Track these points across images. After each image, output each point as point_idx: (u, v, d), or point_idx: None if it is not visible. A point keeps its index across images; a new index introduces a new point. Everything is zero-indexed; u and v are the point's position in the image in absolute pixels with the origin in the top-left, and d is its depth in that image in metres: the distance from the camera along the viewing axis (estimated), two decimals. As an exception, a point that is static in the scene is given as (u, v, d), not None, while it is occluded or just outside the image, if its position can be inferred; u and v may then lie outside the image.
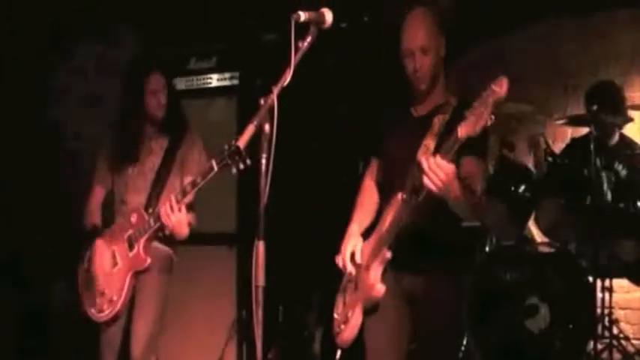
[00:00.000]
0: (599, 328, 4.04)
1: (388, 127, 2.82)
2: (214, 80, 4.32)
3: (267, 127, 2.16)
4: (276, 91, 2.19)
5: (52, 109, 5.02)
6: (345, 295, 2.77)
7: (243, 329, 4.04)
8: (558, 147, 4.63)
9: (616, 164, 4.13)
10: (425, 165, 2.32)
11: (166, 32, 4.57)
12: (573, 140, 4.56)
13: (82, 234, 3.35)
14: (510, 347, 3.96)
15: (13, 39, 4.47)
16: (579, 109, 4.47)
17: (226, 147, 2.81)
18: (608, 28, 5.07)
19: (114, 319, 3.20)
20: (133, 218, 3.19)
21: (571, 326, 3.84)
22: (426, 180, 2.32)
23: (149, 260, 3.15)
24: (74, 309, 3.32)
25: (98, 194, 3.42)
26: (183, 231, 3.14)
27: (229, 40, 4.33)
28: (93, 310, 3.22)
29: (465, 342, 4.22)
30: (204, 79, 4.34)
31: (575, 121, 4.35)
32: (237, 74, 4.24)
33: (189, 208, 3.17)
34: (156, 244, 3.25)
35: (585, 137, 4.34)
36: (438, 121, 2.64)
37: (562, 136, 5.01)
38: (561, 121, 4.42)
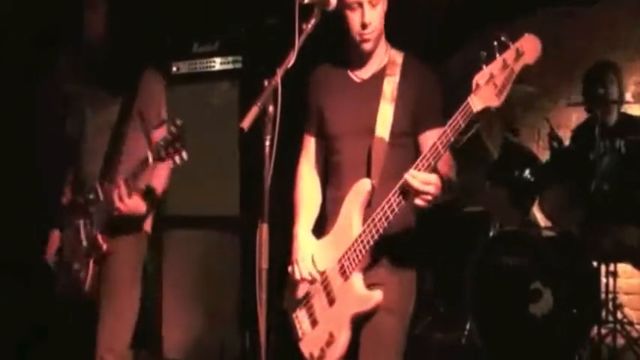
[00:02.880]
0: (603, 313, 4.03)
1: (323, 98, 2.45)
2: (217, 64, 4.30)
3: (271, 108, 2.13)
4: (280, 72, 2.16)
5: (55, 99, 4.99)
6: (313, 310, 2.40)
7: (246, 312, 4.04)
8: (563, 133, 4.62)
9: (617, 142, 4.10)
10: (415, 184, 2.09)
11: (169, 17, 4.54)
12: (577, 128, 4.53)
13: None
14: (513, 332, 3.96)
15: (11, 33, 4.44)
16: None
17: (163, 137, 2.63)
18: (615, 15, 5.03)
19: (84, 296, 2.91)
20: (92, 195, 2.90)
21: (575, 311, 3.84)
22: (417, 200, 2.12)
23: (106, 247, 2.85)
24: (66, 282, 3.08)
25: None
26: (140, 210, 2.85)
27: (232, 23, 4.30)
28: (68, 285, 2.97)
29: (467, 326, 4.24)
30: (207, 62, 4.32)
31: (580, 104, 4.33)
32: (240, 58, 4.22)
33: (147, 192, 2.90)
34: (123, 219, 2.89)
35: (587, 122, 4.32)
36: (389, 86, 2.33)
37: (566, 122, 4.99)
38: (567, 102, 4.39)
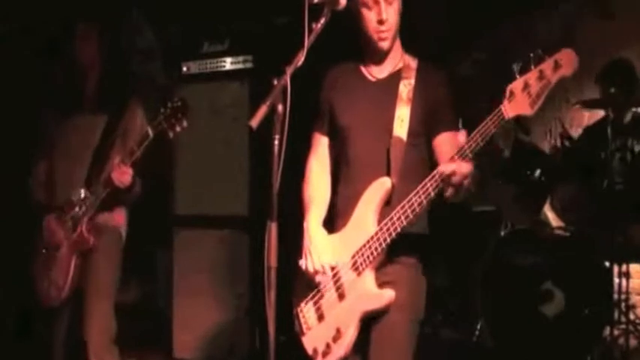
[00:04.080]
0: (616, 313, 4.00)
1: (336, 95, 2.47)
2: (227, 64, 4.31)
3: (280, 107, 2.13)
4: (289, 71, 2.16)
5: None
6: (320, 305, 2.40)
7: (256, 311, 4.05)
8: (575, 132, 4.59)
9: (629, 142, 4.08)
10: (456, 178, 2.09)
11: (179, 17, 4.56)
12: (587, 128, 4.50)
13: (32, 211, 3.24)
14: (524, 332, 3.94)
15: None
16: (595, 93, 4.41)
17: (162, 110, 2.85)
18: (628, 11, 4.99)
19: (63, 303, 3.07)
20: (75, 197, 3.05)
21: (587, 312, 3.81)
22: (450, 191, 2.14)
23: (92, 239, 3.02)
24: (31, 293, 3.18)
25: (42, 168, 3.26)
26: (128, 182, 2.98)
27: (242, 23, 4.31)
28: (43, 296, 3.10)
29: (478, 326, 4.22)
30: (217, 62, 4.32)
31: (591, 103, 4.30)
32: (250, 57, 4.22)
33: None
34: (102, 219, 3.09)
35: (600, 122, 4.29)
36: (405, 88, 2.36)
37: (578, 120, 4.95)
38: (577, 105, 4.37)
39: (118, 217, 3.19)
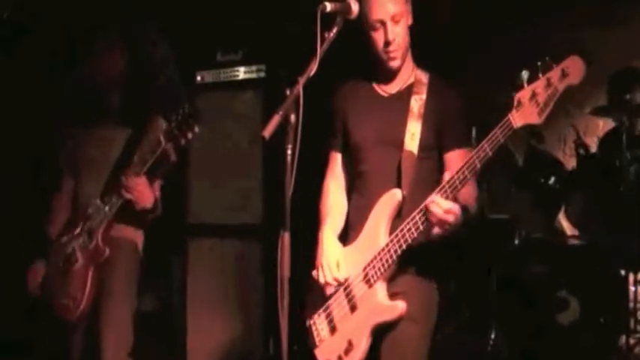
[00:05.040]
0: (632, 322, 3.97)
1: (348, 111, 2.50)
2: (241, 73, 4.33)
3: (292, 117, 2.14)
4: (302, 81, 2.17)
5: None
6: (333, 317, 2.41)
7: (270, 320, 4.05)
8: (589, 140, 4.56)
9: None
10: (439, 212, 2.13)
11: (192, 26, 4.58)
12: (605, 136, 4.48)
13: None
14: (539, 341, 3.92)
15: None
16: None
17: (173, 117, 2.83)
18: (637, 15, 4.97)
19: (80, 317, 3.05)
20: (90, 209, 3.07)
21: (602, 320, 3.79)
22: (435, 228, 2.18)
23: (108, 251, 3.00)
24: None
25: (64, 194, 3.28)
26: (147, 199, 2.99)
27: (255, 32, 4.33)
28: (62, 311, 3.09)
29: (493, 335, 4.20)
30: (231, 71, 4.35)
31: (604, 111, 4.28)
32: (263, 67, 4.24)
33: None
34: (119, 232, 3.10)
35: (614, 129, 4.27)
36: (416, 103, 2.38)
37: (593, 128, 4.92)
38: (591, 113, 4.35)
39: (135, 231, 3.19)
